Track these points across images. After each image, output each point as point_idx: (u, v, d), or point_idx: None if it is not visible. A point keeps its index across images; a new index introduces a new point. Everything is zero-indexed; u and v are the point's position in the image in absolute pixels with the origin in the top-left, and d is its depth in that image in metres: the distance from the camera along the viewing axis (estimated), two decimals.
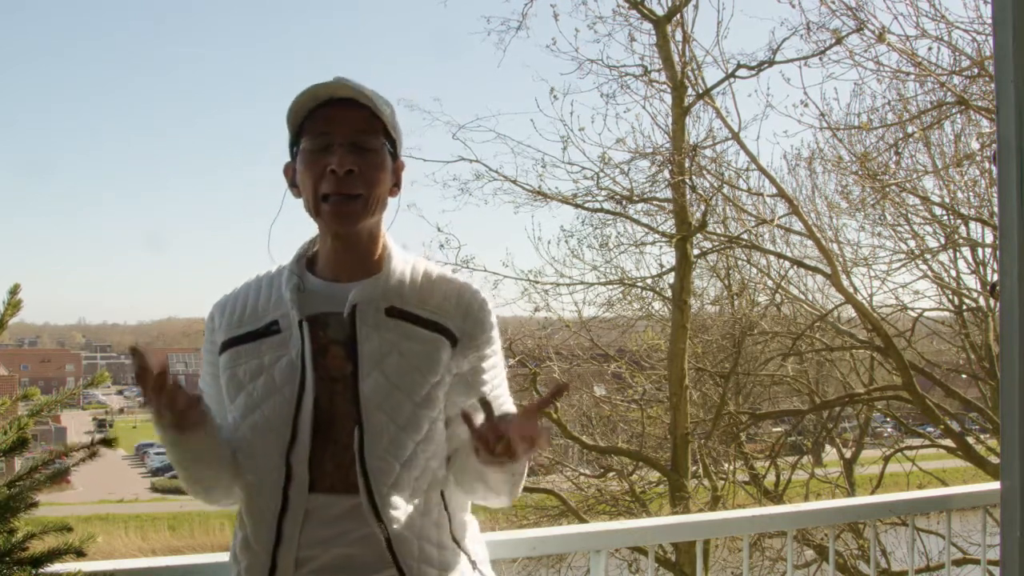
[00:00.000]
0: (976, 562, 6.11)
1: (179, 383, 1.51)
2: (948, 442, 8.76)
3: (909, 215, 8.85)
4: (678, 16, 8.50)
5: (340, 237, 1.67)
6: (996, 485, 2.26)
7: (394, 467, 1.59)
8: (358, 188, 1.62)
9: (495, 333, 1.72)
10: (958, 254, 8.92)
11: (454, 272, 1.80)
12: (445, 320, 1.65)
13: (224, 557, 2.01)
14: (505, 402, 1.73)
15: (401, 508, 1.59)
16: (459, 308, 1.67)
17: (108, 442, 1.85)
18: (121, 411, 67.82)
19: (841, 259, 8.96)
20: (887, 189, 8.35)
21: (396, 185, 1.71)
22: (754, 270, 9.76)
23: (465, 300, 1.68)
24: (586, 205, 8.89)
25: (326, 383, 1.61)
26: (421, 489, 1.63)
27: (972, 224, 8.60)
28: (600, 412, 9.83)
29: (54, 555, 1.76)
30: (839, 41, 7.65)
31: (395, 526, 1.58)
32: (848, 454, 10.02)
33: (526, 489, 9.12)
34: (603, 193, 8.77)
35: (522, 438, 1.47)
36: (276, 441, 1.60)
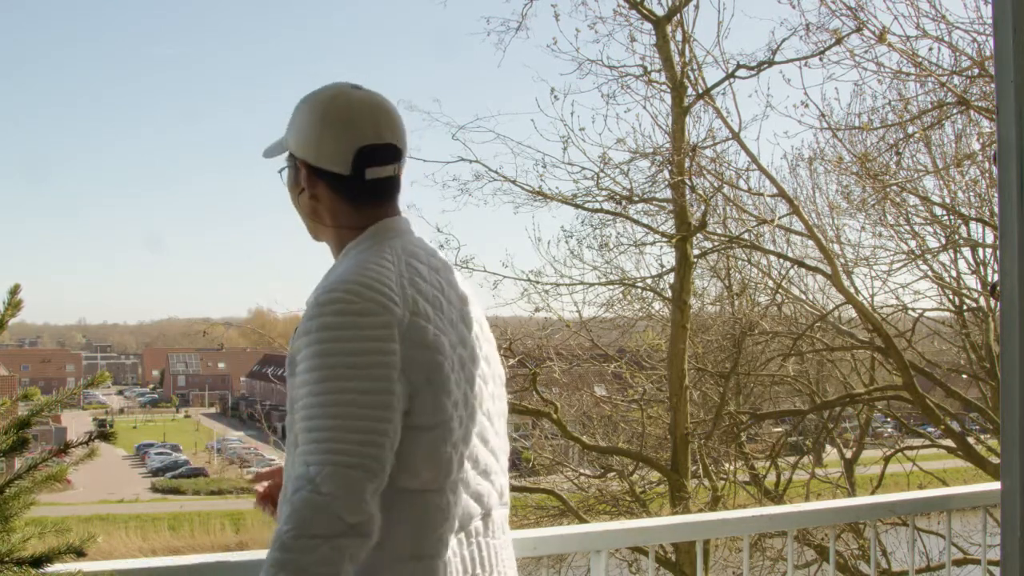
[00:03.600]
0: (976, 562, 6.12)
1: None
2: (948, 442, 8.75)
3: (910, 215, 8.85)
4: (678, 16, 8.49)
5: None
6: (996, 485, 2.26)
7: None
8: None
9: (308, 350, 1.50)
10: (959, 254, 8.92)
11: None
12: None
13: (224, 557, 2.02)
14: (304, 427, 1.49)
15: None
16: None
17: (106, 436, 1.85)
18: (121, 411, 67.85)
19: (842, 259, 8.95)
20: (888, 189, 8.34)
21: (303, 190, 1.70)
22: (754, 270, 9.76)
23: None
24: (586, 205, 8.86)
25: None
26: None
27: (973, 224, 8.60)
28: (600, 412, 9.83)
29: (54, 555, 1.75)
30: (839, 41, 7.63)
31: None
32: (849, 454, 10.01)
33: (526, 489, 9.15)
34: (603, 193, 8.75)
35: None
36: None
